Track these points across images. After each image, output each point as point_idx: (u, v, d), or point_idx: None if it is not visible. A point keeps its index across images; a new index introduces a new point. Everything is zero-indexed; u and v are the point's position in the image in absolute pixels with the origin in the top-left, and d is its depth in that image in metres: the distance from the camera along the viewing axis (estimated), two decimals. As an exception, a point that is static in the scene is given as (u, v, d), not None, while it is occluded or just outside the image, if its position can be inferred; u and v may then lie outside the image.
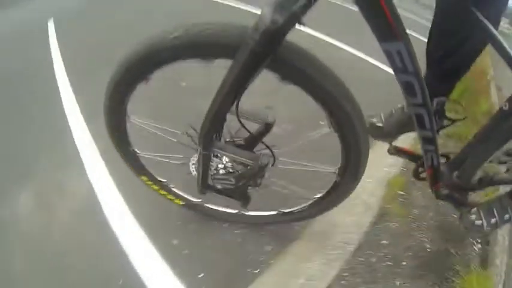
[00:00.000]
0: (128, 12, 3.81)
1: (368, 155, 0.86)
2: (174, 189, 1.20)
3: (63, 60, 2.62)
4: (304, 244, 1.21)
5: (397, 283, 1.07)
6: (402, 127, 1.01)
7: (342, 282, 1.07)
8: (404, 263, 1.13)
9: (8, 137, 1.77)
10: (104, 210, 1.30)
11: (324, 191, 1.02)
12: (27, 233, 1.24)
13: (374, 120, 1.07)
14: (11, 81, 2.36)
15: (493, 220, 0.92)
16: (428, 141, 0.82)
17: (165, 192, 1.20)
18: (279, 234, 1.23)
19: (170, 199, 1.22)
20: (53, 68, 2.50)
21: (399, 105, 1.04)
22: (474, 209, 0.95)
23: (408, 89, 0.71)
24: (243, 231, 1.24)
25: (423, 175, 1.02)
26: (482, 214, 0.95)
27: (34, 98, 2.14)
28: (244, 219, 1.21)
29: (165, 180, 1.17)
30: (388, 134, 1.04)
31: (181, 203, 1.23)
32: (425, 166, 0.91)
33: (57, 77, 2.37)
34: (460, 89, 1.91)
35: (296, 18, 0.59)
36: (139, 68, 0.75)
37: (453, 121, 0.82)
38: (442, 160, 0.96)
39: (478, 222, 0.93)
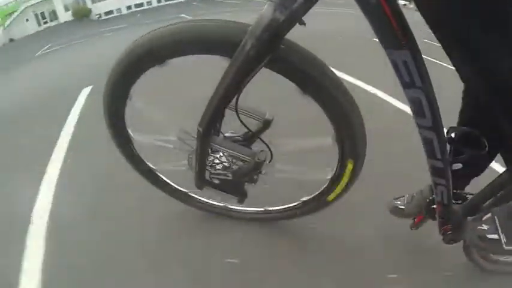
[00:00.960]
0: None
1: (362, 167, 0.85)
2: (161, 177, 1.21)
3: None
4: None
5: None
6: (421, 210, 0.99)
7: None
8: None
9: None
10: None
11: (312, 195, 1.03)
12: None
13: (398, 203, 1.08)
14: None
15: None
16: (438, 172, 0.73)
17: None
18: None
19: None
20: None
21: (420, 189, 1.04)
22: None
23: (416, 108, 0.65)
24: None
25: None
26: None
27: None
28: (229, 213, 1.22)
29: (154, 167, 1.18)
30: (408, 215, 1.05)
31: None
32: (435, 201, 0.81)
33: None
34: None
35: (296, 17, 0.59)
36: (139, 62, 0.78)
37: (469, 153, 0.72)
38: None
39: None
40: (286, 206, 1.13)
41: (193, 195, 1.23)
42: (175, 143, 1.01)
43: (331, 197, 0.96)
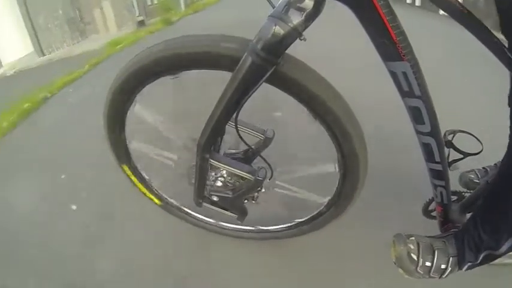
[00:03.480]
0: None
1: (359, 195, 0.86)
2: (155, 188, 1.18)
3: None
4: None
5: None
6: None
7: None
8: None
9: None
10: None
11: (305, 218, 1.02)
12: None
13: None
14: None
15: (427, 263, 0.78)
16: (438, 175, 0.75)
17: (145, 190, 1.17)
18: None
19: (149, 197, 1.19)
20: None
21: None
22: (412, 238, 0.80)
23: (415, 115, 0.67)
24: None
25: (434, 213, 0.94)
26: (420, 248, 0.78)
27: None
28: (221, 230, 1.20)
29: (147, 178, 1.15)
30: None
31: (159, 203, 1.20)
32: (435, 203, 0.83)
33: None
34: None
35: (297, 32, 0.59)
36: (139, 77, 0.77)
37: (466, 155, 0.75)
38: (454, 198, 0.89)
39: (414, 256, 0.78)
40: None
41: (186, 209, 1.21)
42: (175, 161, 0.99)
43: None
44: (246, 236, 1.17)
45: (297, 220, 1.06)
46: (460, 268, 0.77)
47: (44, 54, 6.30)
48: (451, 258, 0.77)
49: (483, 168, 1.05)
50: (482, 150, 0.75)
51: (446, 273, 0.78)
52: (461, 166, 0.78)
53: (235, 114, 0.74)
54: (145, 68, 0.75)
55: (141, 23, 7.94)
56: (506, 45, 0.57)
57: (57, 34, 6.57)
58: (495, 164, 1.03)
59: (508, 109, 0.68)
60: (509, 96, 0.64)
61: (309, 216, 1.01)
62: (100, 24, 7.29)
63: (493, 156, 0.86)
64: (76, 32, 7.00)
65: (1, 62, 5.67)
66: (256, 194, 0.93)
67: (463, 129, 0.76)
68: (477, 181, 1.01)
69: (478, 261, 0.73)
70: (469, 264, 0.75)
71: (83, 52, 5.82)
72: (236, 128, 0.78)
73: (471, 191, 0.89)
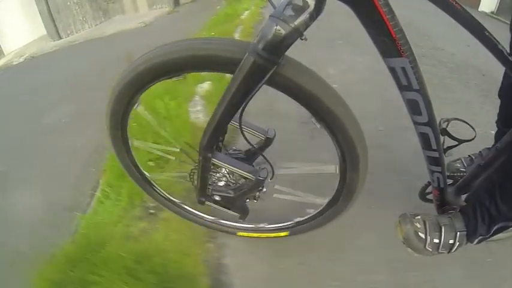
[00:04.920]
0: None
1: (357, 199, 0.87)
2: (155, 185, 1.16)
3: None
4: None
5: None
6: None
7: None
8: None
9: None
10: None
11: (302, 218, 1.03)
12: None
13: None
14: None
15: (435, 240, 0.82)
16: (435, 161, 0.79)
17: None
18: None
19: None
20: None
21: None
22: (419, 217, 0.84)
23: (413, 107, 0.69)
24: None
25: (429, 196, 0.98)
26: (427, 226, 0.82)
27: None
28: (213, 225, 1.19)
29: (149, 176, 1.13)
30: None
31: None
32: (432, 187, 0.87)
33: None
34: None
35: (298, 32, 0.59)
36: (140, 80, 0.76)
37: (461, 141, 0.79)
38: (449, 181, 0.93)
39: (422, 235, 0.82)
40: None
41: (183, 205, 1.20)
42: (177, 154, 0.98)
43: None
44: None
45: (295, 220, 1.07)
46: (471, 241, 0.81)
47: (60, 38, 5.69)
48: (458, 233, 0.81)
49: (469, 156, 1.10)
50: (475, 137, 0.79)
51: (454, 248, 0.82)
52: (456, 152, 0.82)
53: (239, 114, 0.75)
54: (145, 72, 0.74)
55: (177, 2, 7.13)
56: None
57: (76, 14, 5.93)
58: (480, 152, 1.09)
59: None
60: (500, 88, 0.68)
61: (304, 218, 1.03)
62: (127, 3, 6.58)
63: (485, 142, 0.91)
64: (99, 12, 6.37)
65: (2, 50, 5.15)
66: (257, 193, 0.94)
67: (457, 117, 0.80)
68: (463, 169, 1.07)
69: (490, 234, 0.77)
70: (481, 237, 0.79)
71: (118, 32, 5.26)
72: (240, 127, 0.79)
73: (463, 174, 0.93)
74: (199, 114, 1.85)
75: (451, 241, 0.81)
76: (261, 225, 1.12)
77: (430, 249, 0.82)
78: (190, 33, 3.77)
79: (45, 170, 2.14)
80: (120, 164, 1.05)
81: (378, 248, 1.08)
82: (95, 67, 3.82)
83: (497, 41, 0.61)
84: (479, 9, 5.27)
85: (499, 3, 4.98)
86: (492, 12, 5.08)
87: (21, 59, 4.90)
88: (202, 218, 1.20)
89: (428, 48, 2.76)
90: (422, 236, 0.81)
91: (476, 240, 0.81)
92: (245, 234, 1.15)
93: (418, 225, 0.82)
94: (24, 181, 2.08)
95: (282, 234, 1.09)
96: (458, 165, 1.08)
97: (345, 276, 1.02)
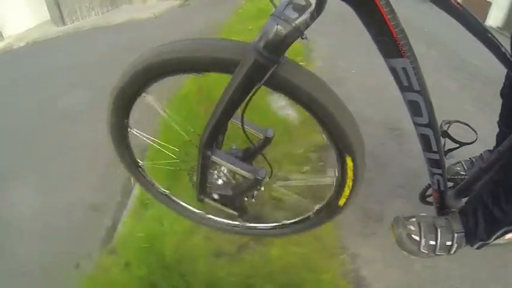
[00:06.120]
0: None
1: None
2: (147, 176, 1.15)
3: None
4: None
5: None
6: None
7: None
8: None
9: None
10: None
11: (291, 220, 1.03)
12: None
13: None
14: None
15: (431, 242, 0.81)
16: (435, 163, 0.78)
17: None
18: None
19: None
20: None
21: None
22: (413, 219, 0.84)
23: (414, 108, 0.69)
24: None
25: (430, 199, 0.98)
26: (422, 228, 0.82)
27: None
28: (204, 221, 1.17)
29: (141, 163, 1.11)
30: None
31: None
32: (432, 189, 0.87)
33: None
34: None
35: (299, 31, 0.59)
36: (139, 81, 0.76)
37: (462, 144, 0.78)
38: (450, 184, 0.92)
39: (416, 237, 0.82)
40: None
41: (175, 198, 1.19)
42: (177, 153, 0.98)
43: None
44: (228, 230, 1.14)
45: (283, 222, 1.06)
46: (470, 244, 0.81)
47: (64, 24, 5.51)
48: (456, 235, 0.80)
49: (469, 159, 1.09)
50: (476, 139, 0.78)
51: (453, 250, 0.82)
52: (456, 155, 0.82)
53: (241, 113, 0.75)
54: (141, 72, 0.74)
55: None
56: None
57: (83, 0, 5.80)
58: (480, 155, 1.08)
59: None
60: (502, 88, 0.67)
61: (295, 220, 1.03)
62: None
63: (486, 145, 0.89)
64: (105, 0, 6.23)
65: (2, 33, 5.00)
66: (255, 192, 0.94)
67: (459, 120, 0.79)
68: (463, 173, 1.06)
69: (492, 239, 0.77)
70: (481, 243, 0.78)
71: (126, 22, 5.04)
72: (242, 126, 0.79)
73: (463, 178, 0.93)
74: (288, 110, 1.72)
75: (448, 243, 0.80)
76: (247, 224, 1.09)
77: (426, 251, 0.82)
78: (214, 27, 3.59)
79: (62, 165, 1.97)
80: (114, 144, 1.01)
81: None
82: (103, 56, 3.60)
83: (500, 43, 0.61)
84: (486, 23, 5.22)
85: (506, 18, 4.95)
86: (499, 28, 5.03)
87: (22, 44, 4.70)
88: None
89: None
90: (417, 238, 0.81)
91: (476, 245, 0.80)
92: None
93: (412, 228, 0.82)
94: (36, 178, 1.89)
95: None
96: (459, 168, 1.07)
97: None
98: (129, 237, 1.25)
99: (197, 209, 1.16)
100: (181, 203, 1.19)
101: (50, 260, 1.31)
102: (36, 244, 1.46)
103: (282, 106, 1.76)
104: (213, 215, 1.13)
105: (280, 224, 1.07)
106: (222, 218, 1.12)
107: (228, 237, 1.14)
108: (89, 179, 1.80)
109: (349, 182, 0.82)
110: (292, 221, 1.04)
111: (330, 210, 0.92)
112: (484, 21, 5.22)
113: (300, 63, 0.72)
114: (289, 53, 0.64)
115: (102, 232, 1.44)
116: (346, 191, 0.83)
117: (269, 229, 1.10)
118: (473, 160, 1.08)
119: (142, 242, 1.13)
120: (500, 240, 0.83)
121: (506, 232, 0.77)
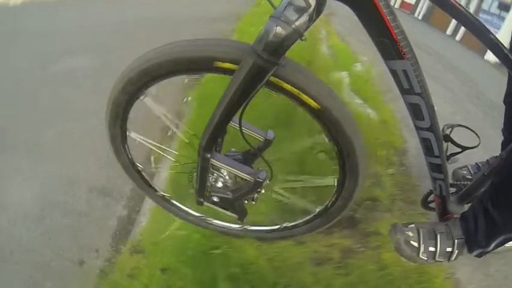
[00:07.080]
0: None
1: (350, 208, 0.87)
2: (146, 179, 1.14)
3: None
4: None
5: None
6: None
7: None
8: None
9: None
10: None
11: (293, 223, 1.02)
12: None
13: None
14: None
15: (431, 248, 0.79)
16: (437, 168, 0.77)
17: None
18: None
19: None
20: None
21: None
22: (412, 225, 0.82)
23: (415, 112, 0.68)
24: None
25: (432, 205, 0.96)
26: (421, 235, 0.80)
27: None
28: (203, 223, 1.16)
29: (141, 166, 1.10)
30: None
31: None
32: (434, 195, 0.85)
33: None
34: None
35: (298, 32, 0.59)
36: (138, 82, 0.76)
37: (464, 148, 0.77)
38: (452, 190, 0.91)
39: (414, 243, 0.80)
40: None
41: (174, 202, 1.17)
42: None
43: None
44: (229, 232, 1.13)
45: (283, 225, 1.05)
46: (470, 251, 0.79)
47: None
48: (456, 241, 0.78)
49: (476, 164, 1.07)
50: (479, 144, 0.77)
51: (454, 256, 0.80)
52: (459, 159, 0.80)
53: (239, 115, 0.75)
54: (142, 73, 0.74)
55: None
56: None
57: None
58: (487, 160, 1.06)
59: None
60: (506, 95, 0.66)
61: (296, 222, 1.02)
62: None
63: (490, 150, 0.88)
64: None
65: None
66: (255, 195, 0.93)
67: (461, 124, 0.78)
68: (469, 177, 1.04)
69: (491, 247, 0.75)
70: (481, 250, 0.77)
71: None
72: (240, 129, 0.78)
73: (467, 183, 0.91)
74: (366, 108, 1.64)
75: (448, 249, 0.79)
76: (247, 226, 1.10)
77: (425, 258, 0.80)
78: (232, 15, 3.33)
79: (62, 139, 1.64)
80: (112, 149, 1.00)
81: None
82: (109, 25, 3.28)
83: (503, 45, 0.60)
84: (484, 58, 5.10)
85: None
86: (497, 63, 4.92)
87: (19, 2, 4.27)
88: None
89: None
90: (415, 244, 0.79)
91: (475, 252, 0.78)
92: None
93: (411, 234, 0.80)
94: (35, 152, 1.56)
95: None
96: (465, 172, 1.05)
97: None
98: (157, 232, 1.06)
99: (198, 211, 1.15)
100: (181, 206, 1.18)
101: (50, 259, 1.11)
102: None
103: (360, 103, 1.69)
104: (213, 218, 1.12)
105: (281, 226, 1.05)
106: (223, 221, 1.11)
107: (322, 241, 1.04)
108: (93, 154, 1.50)
109: (349, 182, 0.81)
110: (293, 223, 1.02)
111: (332, 211, 0.91)
112: (483, 56, 5.07)
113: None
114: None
115: (113, 223, 1.23)
116: (347, 191, 0.82)
117: (267, 232, 1.09)
118: (480, 165, 1.06)
119: (183, 241, 0.97)
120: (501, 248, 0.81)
121: (506, 240, 0.75)
